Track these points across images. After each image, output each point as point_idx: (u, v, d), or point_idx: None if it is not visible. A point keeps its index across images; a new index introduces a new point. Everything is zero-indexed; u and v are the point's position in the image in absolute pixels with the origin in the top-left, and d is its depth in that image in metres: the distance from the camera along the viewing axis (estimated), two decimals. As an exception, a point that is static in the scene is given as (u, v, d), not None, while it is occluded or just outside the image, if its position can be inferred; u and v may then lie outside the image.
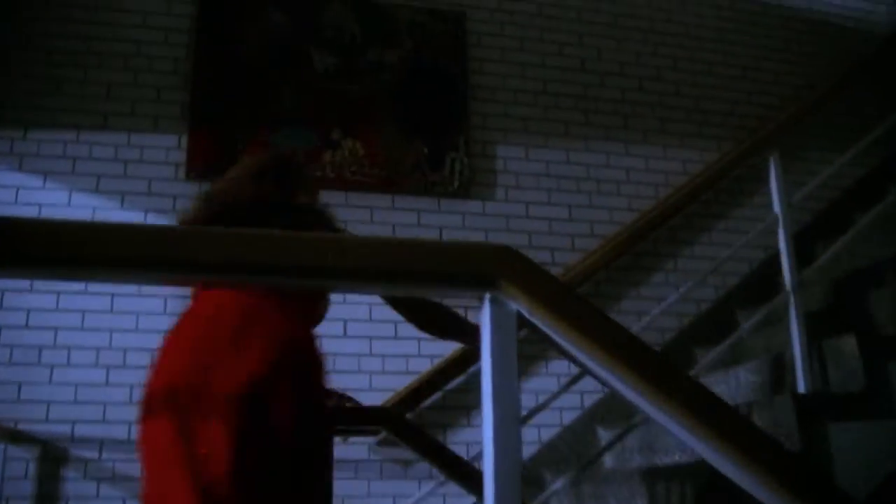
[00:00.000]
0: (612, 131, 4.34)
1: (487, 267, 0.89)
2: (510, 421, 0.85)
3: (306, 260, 0.86)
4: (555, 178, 4.16)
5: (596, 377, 0.94)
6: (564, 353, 0.93)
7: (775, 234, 2.99)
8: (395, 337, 3.65)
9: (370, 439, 3.46)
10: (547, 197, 4.12)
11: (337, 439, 2.16)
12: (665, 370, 0.90)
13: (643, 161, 4.34)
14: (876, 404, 2.57)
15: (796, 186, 3.23)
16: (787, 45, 4.88)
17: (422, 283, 0.91)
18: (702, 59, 4.65)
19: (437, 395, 3.65)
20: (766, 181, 3.10)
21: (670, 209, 3.63)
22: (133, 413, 1.86)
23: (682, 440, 0.91)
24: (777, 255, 3.01)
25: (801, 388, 2.67)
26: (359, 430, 2.31)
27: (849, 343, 2.64)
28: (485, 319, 0.89)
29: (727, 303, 4.17)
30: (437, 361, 3.64)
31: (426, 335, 2.21)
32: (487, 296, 0.88)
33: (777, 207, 2.96)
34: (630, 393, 0.90)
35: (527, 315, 0.89)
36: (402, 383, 3.57)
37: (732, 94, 4.64)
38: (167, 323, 1.92)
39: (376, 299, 3.21)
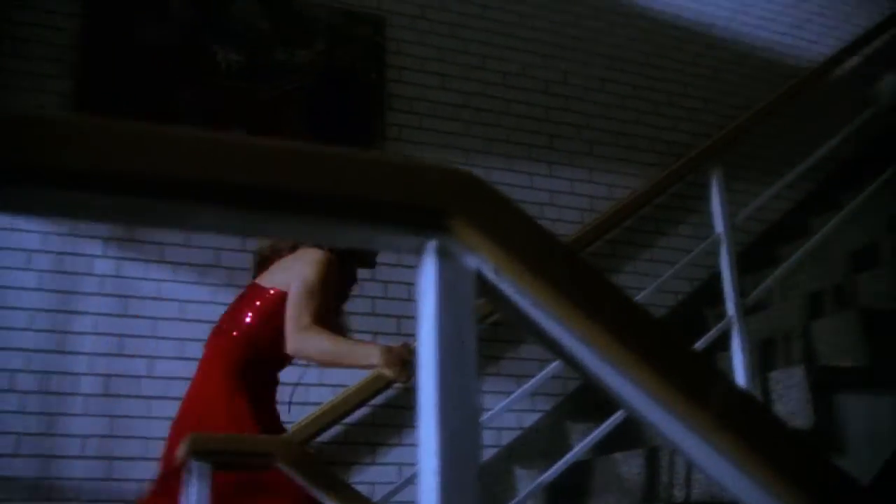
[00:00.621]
0: (537, 151, 4.10)
1: (433, 197, 0.54)
2: (466, 434, 0.52)
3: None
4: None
5: (592, 378, 0.61)
6: (543, 340, 0.60)
7: (698, 266, 2.77)
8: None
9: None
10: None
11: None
12: (708, 376, 0.59)
13: (568, 184, 4.10)
14: (824, 440, 2.36)
15: (739, 207, 3.05)
16: (715, 74, 4.75)
17: (320, 216, 0.54)
18: (629, 83, 4.48)
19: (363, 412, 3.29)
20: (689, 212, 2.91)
21: (610, 225, 3.39)
22: None
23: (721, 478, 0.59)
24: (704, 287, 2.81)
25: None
26: (245, 464, 1.95)
27: (796, 375, 2.42)
28: (426, 281, 0.55)
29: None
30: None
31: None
32: (431, 244, 0.55)
33: (720, 227, 2.73)
34: (654, 409, 0.57)
35: (491, 275, 0.56)
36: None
37: (660, 120, 4.47)
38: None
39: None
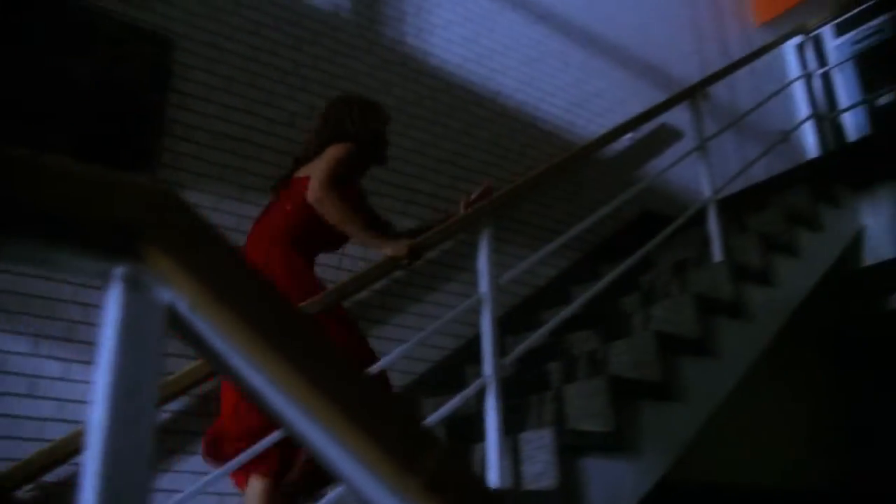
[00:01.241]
0: (315, 194, 4.03)
1: (123, 217, 0.46)
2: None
3: None
4: (245, 234, 3.75)
5: (298, 435, 0.55)
6: (243, 386, 0.53)
7: (464, 324, 2.81)
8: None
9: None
10: (235, 254, 3.69)
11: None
12: (419, 439, 0.53)
13: (343, 230, 4.06)
14: (568, 502, 2.42)
15: (508, 269, 3.12)
16: (497, 139, 4.91)
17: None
18: (416, 137, 4.53)
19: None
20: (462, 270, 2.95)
21: (380, 275, 3.35)
22: None
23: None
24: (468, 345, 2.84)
25: (493, 483, 2.44)
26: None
27: (545, 436, 2.47)
28: (109, 313, 0.48)
29: (414, 389, 3.94)
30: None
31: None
32: (118, 271, 0.46)
33: (484, 287, 2.77)
34: (359, 472, 0.51)
35: (186, 311, 0.48)
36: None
37: (440, 177, 4.54)
38: None
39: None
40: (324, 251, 3.14)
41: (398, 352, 2.84)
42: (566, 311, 3.16)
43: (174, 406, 3.21)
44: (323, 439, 0.53)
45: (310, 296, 2.62)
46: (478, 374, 2.74)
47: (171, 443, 3.27)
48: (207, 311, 0.50)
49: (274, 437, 2.31)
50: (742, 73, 5.98)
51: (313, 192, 2.79)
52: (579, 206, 5.15)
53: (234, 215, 3.73)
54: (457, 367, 4.03)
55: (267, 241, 2.89)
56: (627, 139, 5.55)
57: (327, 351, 0.55)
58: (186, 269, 0.49)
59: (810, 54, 5.96)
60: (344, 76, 4.38)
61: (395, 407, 0.57)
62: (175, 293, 0.50)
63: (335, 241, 3.08)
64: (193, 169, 3.71)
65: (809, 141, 7.06)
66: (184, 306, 0.50)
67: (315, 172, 2.85)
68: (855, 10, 6.19)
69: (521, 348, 2.92)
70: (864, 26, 7.38)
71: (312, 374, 0.52)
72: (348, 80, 4.38)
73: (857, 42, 7.43)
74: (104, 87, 3.56)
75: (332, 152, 2.90)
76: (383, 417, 0.54)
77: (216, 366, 0.53)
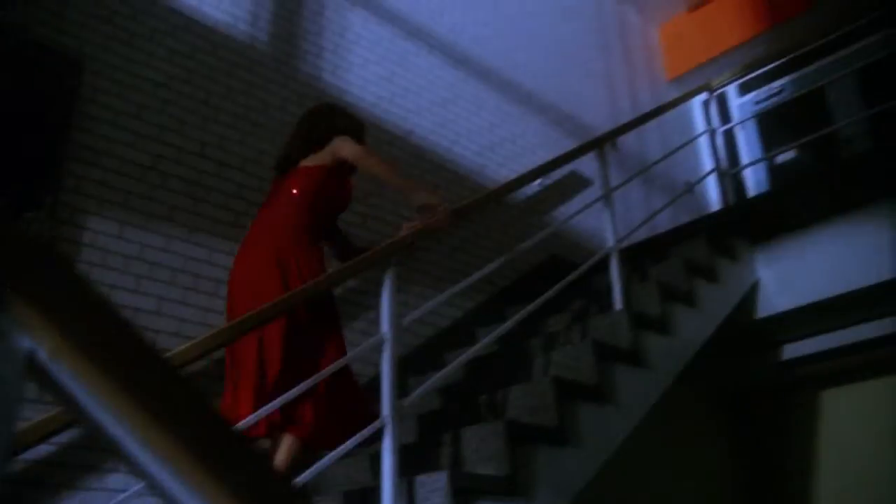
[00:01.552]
0: (222, 226, 3.98)
1: None
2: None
3: None
4: (148, 263, 3.68)
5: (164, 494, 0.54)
6: (105, 441, 0.52)
7: (367, 363, 2.80)
8: None
9: None
10: (135, 284, 3.61)
11: None
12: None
13: (249, 263, 4.02)
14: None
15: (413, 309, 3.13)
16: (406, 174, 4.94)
17: None
18: (326, 173, 4.52)
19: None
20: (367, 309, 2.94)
21: (282, 310, 3.32)
22: None
23: None
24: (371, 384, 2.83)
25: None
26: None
27: (440, 479, 2.48)
28: None
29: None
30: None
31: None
32: None
33: (385, 327, 2.77)
34: None
35: (46, 361, 0.48)
36: None
37: (350, 215, 4.53)
38: None
39: None
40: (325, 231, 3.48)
41: (297, 389, 2.81)
42: (468, 354, 3.18)
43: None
44: (181, 489, 0.53)
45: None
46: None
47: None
48: (66, 360, 0.50)
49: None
50: (651, 125, 6.17)
51: (354, 153, 3.32)
52: (488, 248, 5.21)
53: (137, 244, 3.66)
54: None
55: (279, 230, 3.22)
56: (537, 185, 5.66)
57: (190, 401, 0.54)
58: (47, 317, 0.49)
59: (714, 111, 6.18)
60: (257, 109, 4.36)
61: (255, 461, 0.57)
62: (35, 341, 0.49)
63: (333, 223, 3.55)
64: (98, 195, 3.63)
65: (712, 194, 7.30)
66: (43, 354, 0.50)
67: (341, 147, 3.34)
68: (758, 72, 6.45)
69: (420, 389, 2.92)
70: (766, 87, 7.71)
71: (171, 424, 0.52)
72: (261, 113, 4.37)
73: (760, 102, 7.75)
74: (4, 107, 3.46)
75: (342, 139, 3.37)
76: (242, 470, 0.54)
77: (76, 415, 0.53)
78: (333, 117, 3.55)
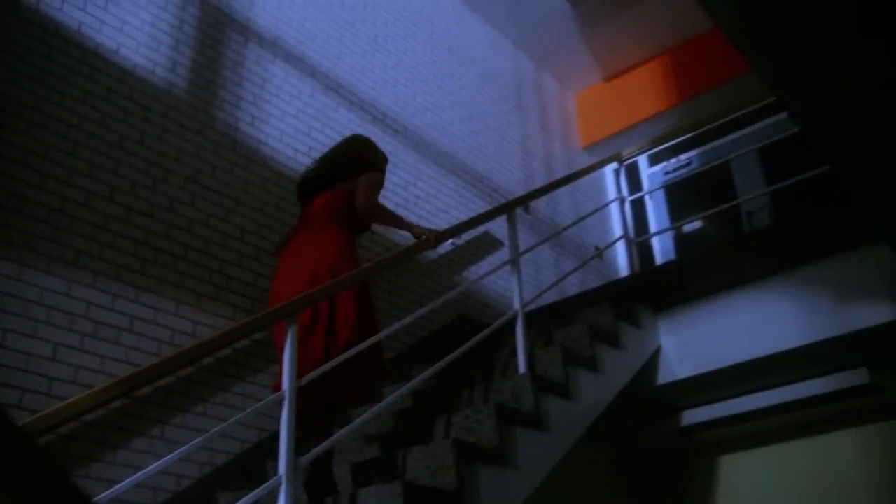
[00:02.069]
0: (126, 273, 3.90)
1: None
2: None
3: None
4: (47, 308, 3.58)
5: None
6: None
7: (270, 417, 2.77)
8: None
9: None
10: (31, 328, 3.50)
11: None
12: None
13: (152, 312, 3.94)
14: None
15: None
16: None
17: None
18: (236, 224, 4.50)
19: None
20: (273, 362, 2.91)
21: (186, 361, 3.26)
22: None
23: None
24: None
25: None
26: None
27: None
28: None
29: (211, 482, 3.82)
30: None
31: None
32: None
33: (286, 384, 2.75)
34: None
35: None
36: None
37: (260, 266, 4.51)
38: None
39: None
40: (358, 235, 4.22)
41: (196, 442, 2.77)
42: (371, 412, 3.18)
43: None
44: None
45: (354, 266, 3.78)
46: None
47: None
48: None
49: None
50: (565, 189, 6.32)
51: (363, 207, 4.05)
52: (397, 305, 5.22)
53: (37, 287, 3.57)
54: (259, 461, 3.95)
55: (324, 227, 3.96)
56: (449, 244, 5.72)
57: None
58: None
59: (625, 179, 6.36)
60: (171, 155, 4.32)
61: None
62: None
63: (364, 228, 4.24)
64: (-2, 235, 3.53)
65: (621, 260, 7.48)
66: None
67: (361, 189, 4.07)
68: (668, 144, 6.69)
69: (320, 448, 2.90)
70: (675, 159, 7.99)
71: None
72: (175, 159, 4.33)
73: (669, 172, 8.01)
74: None
75: (371, 176, 4.17)
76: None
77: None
78: (362, 150, 4.31)
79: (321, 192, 4.12)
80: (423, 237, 4.23)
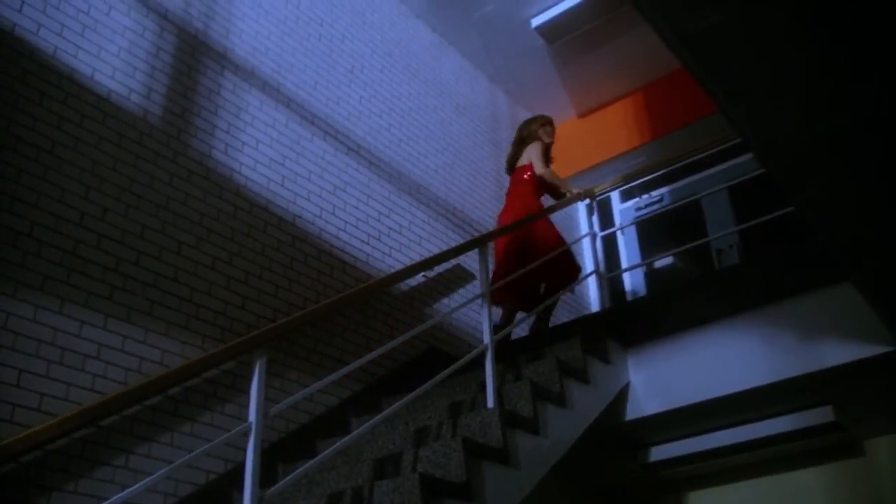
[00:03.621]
0: (94, 299, 3.87)
1: None
2: None
3: None
4: (11, 333, 3.53)
5: None
6: None
7: (237, 448, 2.75)
8: None
9: None
10: (-6, 355, 3.46)
11: None
12: None
13: (120, 340, 3.90)
14: None
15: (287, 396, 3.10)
16: (291, 263, 4.93)
17: None
18: (210, 253, 4.48)
19: None
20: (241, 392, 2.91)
21: (154, 391, 3.23)
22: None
23: None
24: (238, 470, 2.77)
25: None
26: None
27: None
28: None
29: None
30: None
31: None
32: None
33: (252, 416, 2.73)
34: None
35: None
36: None
37: (231, 295, 4.49)
38: None
39: None
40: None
41: (161, 473, 2.75)
42: (339, 444, 3.16)
43: None
44: None
45: (549, 224, 5.69)
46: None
47: None
48: None
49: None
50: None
51: (538, 169, 5.73)
52: (367, 336, 5.21)
53: (2, 312, 3.52)
54: (225, 492, 3.90)
55: (525, 199, 5.68)
56: (421, 276, 5.72)
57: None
58: None
59: (597, 215, 6.42)
60: (143, 182, 4.30)
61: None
62: None
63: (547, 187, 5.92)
64: (-37, 259, 3.49)
65: (592, 296, 7.51)
66: None
67: (533, 160, 5.78)
68: (640, 180, 6.76)
69: (285, 481, 2.88)
70: (647, 195, 8.06)
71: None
72: (147, 186, 4.31)
73: (640, 208, 8.08)
74: None
75: (536, 147, 5.85)
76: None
77: None
78: (529, 126, 6.00)
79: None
80: (577, 192, 5.93)
